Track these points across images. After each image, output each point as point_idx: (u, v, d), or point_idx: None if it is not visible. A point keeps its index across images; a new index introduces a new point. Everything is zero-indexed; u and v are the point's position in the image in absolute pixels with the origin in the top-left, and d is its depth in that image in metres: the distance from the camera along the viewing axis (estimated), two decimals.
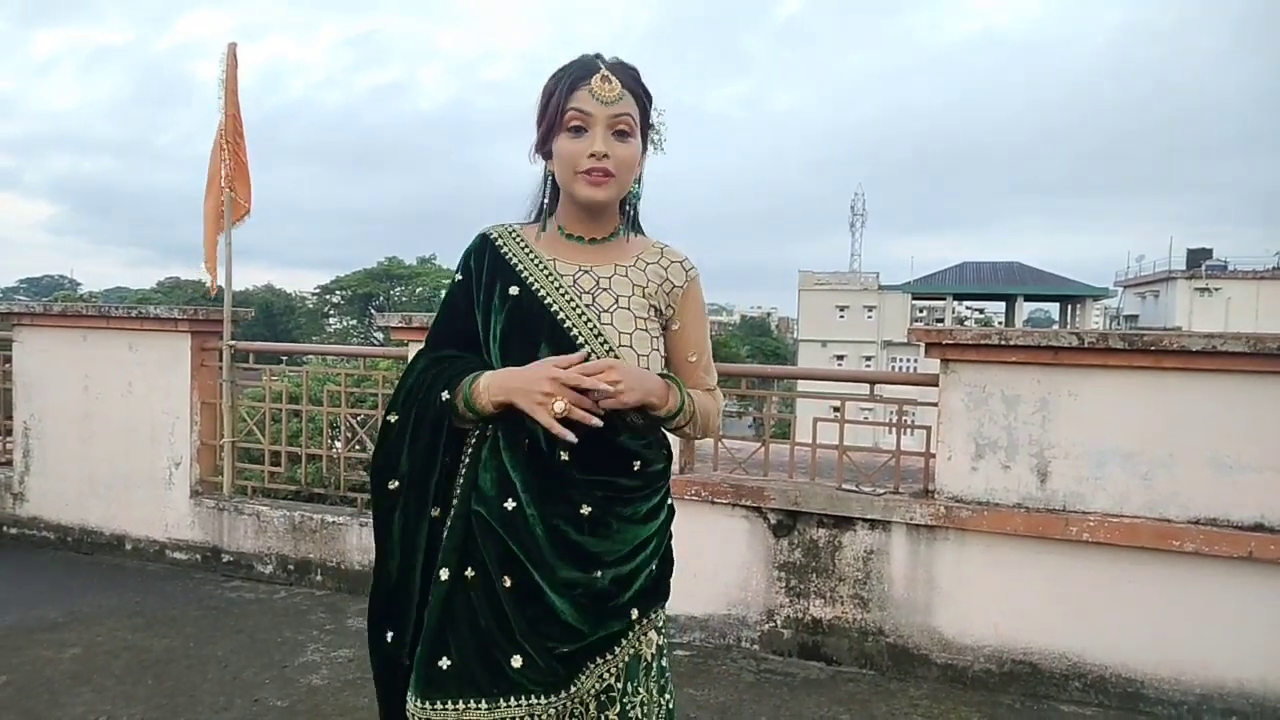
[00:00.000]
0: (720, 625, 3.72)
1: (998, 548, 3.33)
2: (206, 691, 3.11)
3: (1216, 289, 38.00)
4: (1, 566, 4.56)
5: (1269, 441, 3.04)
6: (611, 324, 1.46)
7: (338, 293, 53.22)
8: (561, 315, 1.46)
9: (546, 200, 1.55)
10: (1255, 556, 2.99)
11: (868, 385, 3.76)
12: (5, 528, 5.05)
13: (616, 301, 1.48)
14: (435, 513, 1.49)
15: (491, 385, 1.40)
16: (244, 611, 3.97)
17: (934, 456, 3.48)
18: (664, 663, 1.59)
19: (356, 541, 4.27)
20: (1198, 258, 40.31)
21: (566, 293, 1.47)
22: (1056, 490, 3.26)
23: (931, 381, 3.53)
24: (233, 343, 4.62)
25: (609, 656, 1.48)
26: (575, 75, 1.43)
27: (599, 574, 1.44)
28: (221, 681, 3.20)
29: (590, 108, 1.41)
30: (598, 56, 1.46)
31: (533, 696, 1.40)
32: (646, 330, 1.50)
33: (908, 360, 39.48)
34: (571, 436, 1.36)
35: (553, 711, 1.41)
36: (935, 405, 3.48)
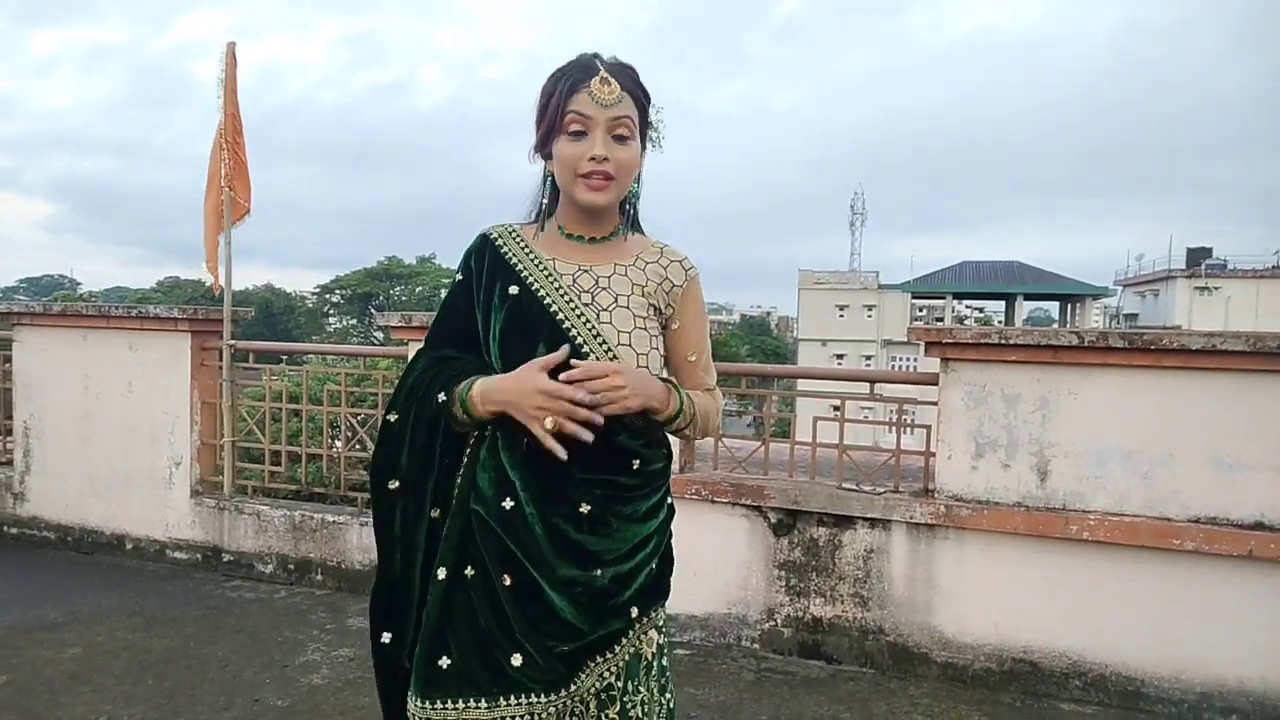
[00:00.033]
0: (720, 624, 3.72)
1: (998, 546, 3.33)
2: (207, 691, 3.11)
3: (1216, 288, 37.99)
4: (1, 566, 4.56)
5: (1269, 440, 3.04)
6: (610, 323, 1.46)
7: (337, 292, 53.23)
8: (560, 315, 1.46)
9: (546, 201, 1.55)
10: (1255, 555, 2.99)
11: (868, 384, 3.76)
12: (5, 527, 5.05)
13: (615, 300, 1.48)
14: (435, 514, 1.50)
15: (486, 393, 1.40)
16: (244, 611, 3.97)
17: (934, 455, 3.48)
18: (664, 662, 1.59)
19: (357, 541, 4.27)
20: (1197, 257, 40.32)
21: (565, 292, 1.48)
22: (1056, 489, 3.26)
23: (931, 380, 3.53)
24: (233, 342, 4.62)
25: (609, 655, 1.48)
26: (574, 77, 1.42)
27: (599, 572, 1.44)
28: (222, 681, 3.20)
29: (590, 111, 1.41)
30: (595, 56, 1.46)
31: (533, 695, 1.40)
32: (645, 329, 1.50)
33: (907, 359, 39.48)
34: (562, 453, 1.36)
35: (553, 710, 1.42)
36: (935, 404, 3.49)
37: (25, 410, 4.96)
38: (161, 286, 55.97)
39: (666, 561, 1.59)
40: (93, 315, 4.84)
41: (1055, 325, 39.38)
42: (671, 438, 1.59)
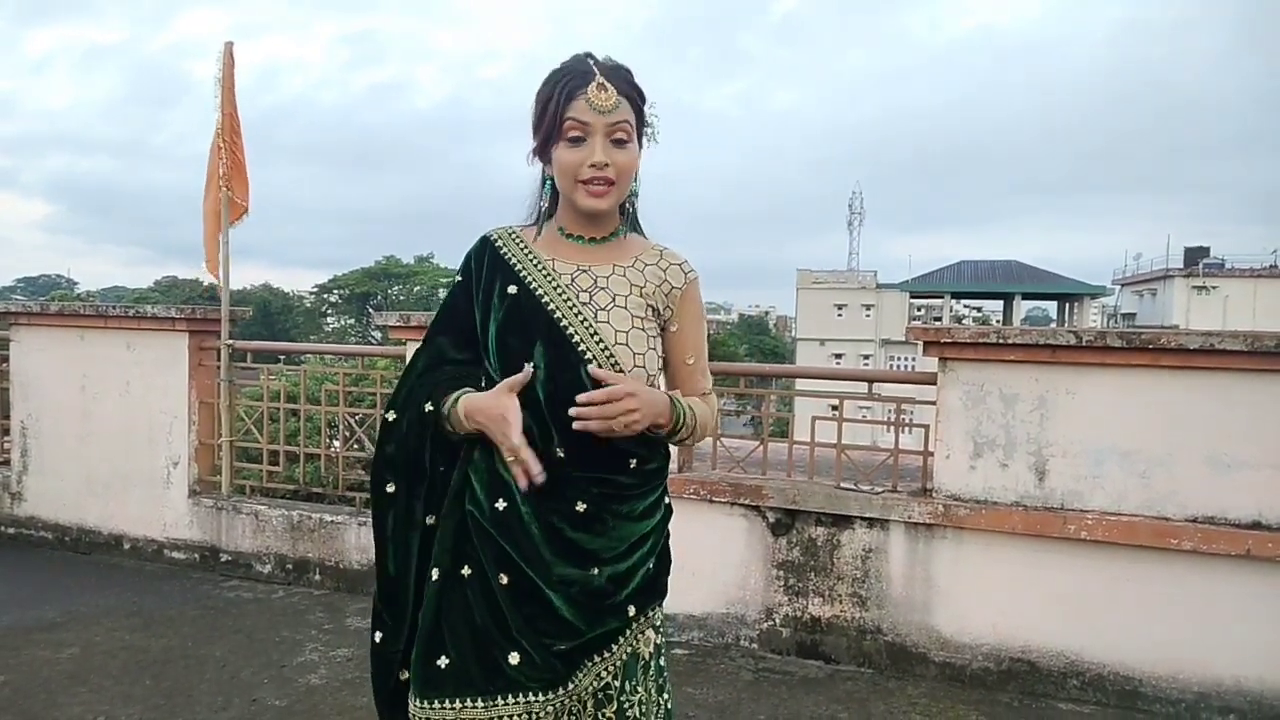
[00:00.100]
0: (719, 624, 3.72)
1: (996, 546, 3.33)
2: (204, 691, 3.11)
3: (1214, 287, 38.05)
4: None
5: (1266, 440, 3.04)
6: (608, 322, 1.47)
7: (335, 292, 53.17)
8: (558, 314, 1.46)
9: (546, 204, 1.55)
10: (1253, 554, 2.99)
11: (866, 384, 3.76)
12: (3, 527, 5.04)
13: (613, 300, 1.49)
14: (430, 520, 1.52)
15: (468, 411, 1.43)
16: (242, 611, 3.97)
17: (932, 455, 3.49)
18: (662, 662, 1.60)
19: (355, 541, 4.27)
20: (1195, 256, 40.36)
21: (564, 292, 1.48)
22: (1055, 488, 3.27)
23: (930, 380, 3.53)
24: (230, 342, 4.61)
25: (606, 655, 1.49)
26: (571, 84, 1.42)
27: (595, 571, 1.45)
28: (219, 681, 3.19)
29: (588, 117, 1.42)
30: (589, 57, 1.46)
31: (530, 694, 1.41)
32: (643, 330, 1.50)
33: (906, 359, 39.52)
34: (523, 483, 1.38)
35: (550, 709, 1.42)
36: (933, 404, 3.49)
37: (23, 410, 4.96)
38: (159, 286, 55.92)
39: (664, 561, 1.59)
40: (90, 315, 4.83)
41: (1053, 325, 39.41)
42: None
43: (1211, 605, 3.09)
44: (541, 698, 1.41)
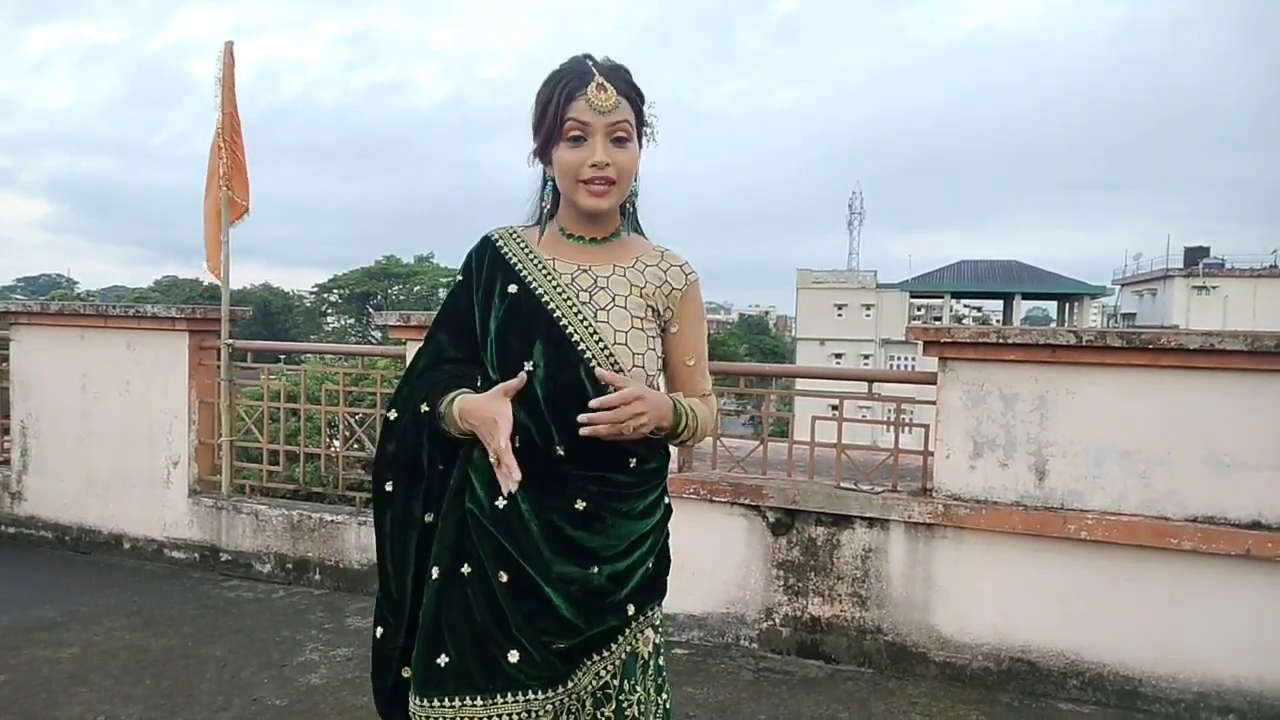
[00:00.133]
0: (719, 624, 3.73)
1: (996, 546, 3.33)
2: (205, 691, 3.11)
3: (1214, 287, 38.05)
4: None
5: (1267, 440, 3.04)
6: (608, 322, 1.47)
7: (335, 291, 53.16)
8: (558, 313, 1.47)
9: (548, 205, 1.56)
10: (1253, 554, 2.99)
11: (866, 383, 3.76)
12: (3, 527, 5.04)
13: (613, 300, 1.49)
14: (429, 518, 1.53)
15: (462, 413, 1.43)
16: (242, 611, 3.97)
17: (932, 455, 3.49)
18: (661, 661, 1.60)
19: (355, 540, 4.27)
20: (1195, 256, 40.36)
21: (564, 291, 1.49)
22: (1054, 488, 3.27)
23: (930, 380, 3.53)
24: (231, 341, 4.61)
25: (605, 653, 1.49)
26: (571, 85, 1.43)
27: (595, 569, 1.45)
28: (220, 681, 3.19)
29: (588, 118, 1.43)
30: (588, 58, 1.47)
31: (529, 692, 1.41)
32: (643, 330, 1.50)
33: (905, 359, 39.52)
34: (511, 488, 1.39)
35: (549, 708, 1.42)
36: (933, 403, 3.49)
37: (23, 409, 4.96)
38: (159, 286, 55.91)
39: (663, 560, 1.60)
40: (90, 314, 4.84)
41: (1053, 325, 39.40)
42: None
43: (1211, 605, 3.09)
44: (540, 696, 1.42)
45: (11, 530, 5.02)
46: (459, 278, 1.59)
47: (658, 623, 1.59)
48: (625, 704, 1.51)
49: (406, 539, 1.53)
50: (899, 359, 40.71)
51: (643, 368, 1.49)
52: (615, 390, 1.39)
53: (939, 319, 44.52)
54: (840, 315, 44.64)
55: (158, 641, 3.55)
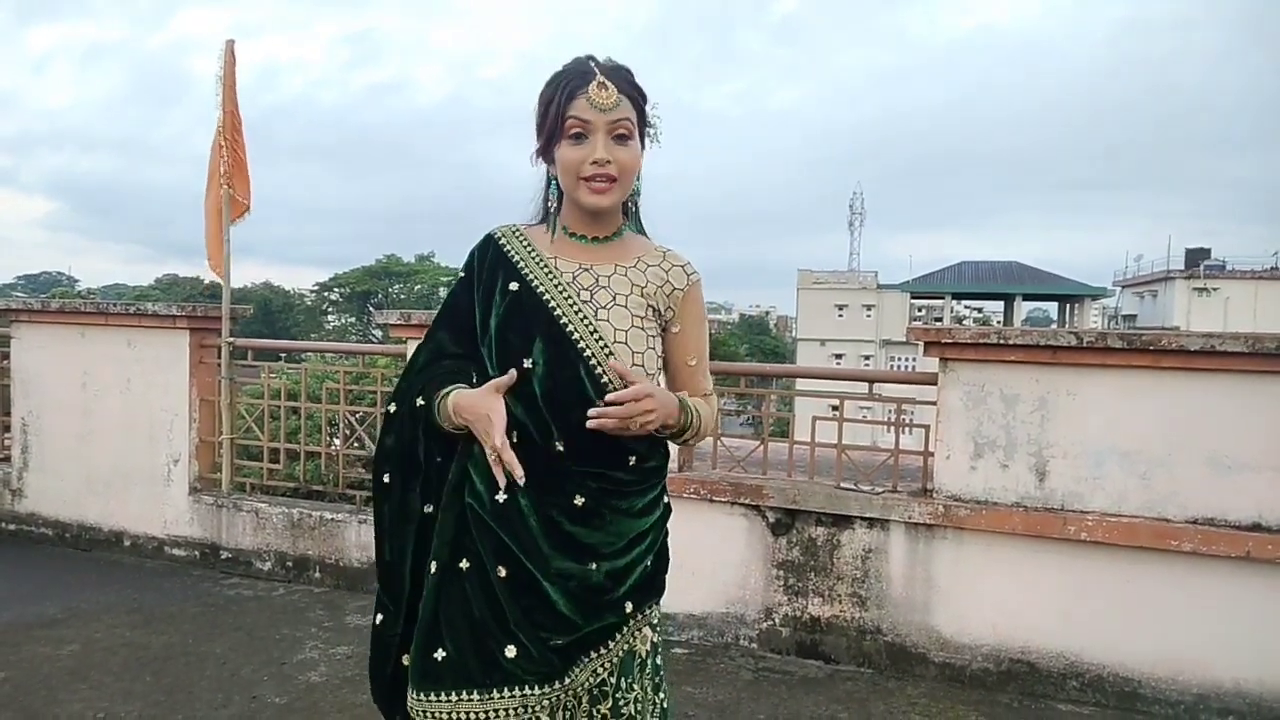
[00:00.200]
0: (719, 623, 3.73)
1: (996, 547, 3.33)
2: (204, 688, 3.11)
3: (1215, 289, 38.04)
4: None
5: (1267, 441, 3.04)
6: (608, 320, 1.48)
7: (336, 290, 53.16)
8: (558, 310, 1.48)
9: (553, 204, 1.56)
10: (1253, 556, 2.99)
11: (866, 384, 3.76)
12: (3, 524, 5.05)
13: (614, 299, 1.50)
14: (428, 510, 1.54)
15: (456, 408, 1.45)
16: (242, 608, 3.97)
17: (932, 455, 3.49)
18: (659, 660, 1.60)
19: (355, 539, 4.27)
20: (1196, 257, 40.36)
21: (564, 289, 1.49)
22: (1055, 489, 3.27)
23: (930, 380, 3.53)
24: (231, 340, 4.61)
25: (603, 651, 1.50)
26: (572, 84, 1.45)
27: (593, 566, 1.46)
28: (220, 678, 3.20)
29: (589, 115, 1.44)
30: (591, 59, 1.48)
31: (526, 687, 1.42)
32: (643, 329, 1.51)
33: (906, 359, 39.51)
34: (503, 481, 1.42)
35: (546, 703, 1.43)
36: (934, 404, 3.49)
37: (23, 407, 4.96)
38: (160, 284, 55.96)
39: (662, 559, 1.60)
40: (91, 312, 4.84)
41: (1054, 326, 39.41)
42: None
43: (1211, 607, 3.09)
44: (537, 691, 1.42)
45: (12, 527, 5.03)
46: (461, 275, 1.60)
47: (656, 621, 1.59)
48: (622, 702, 1.51)
49: (404, 530, 1.55)
50: (899, 360, 40.70)
51: (642, 366, 1.50)
52: (627, 384, 1.40)
53: (940, 320, 44.49)
54: (841, 316, 44.62)
55: (158, 639, 3.56)
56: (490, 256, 1.55)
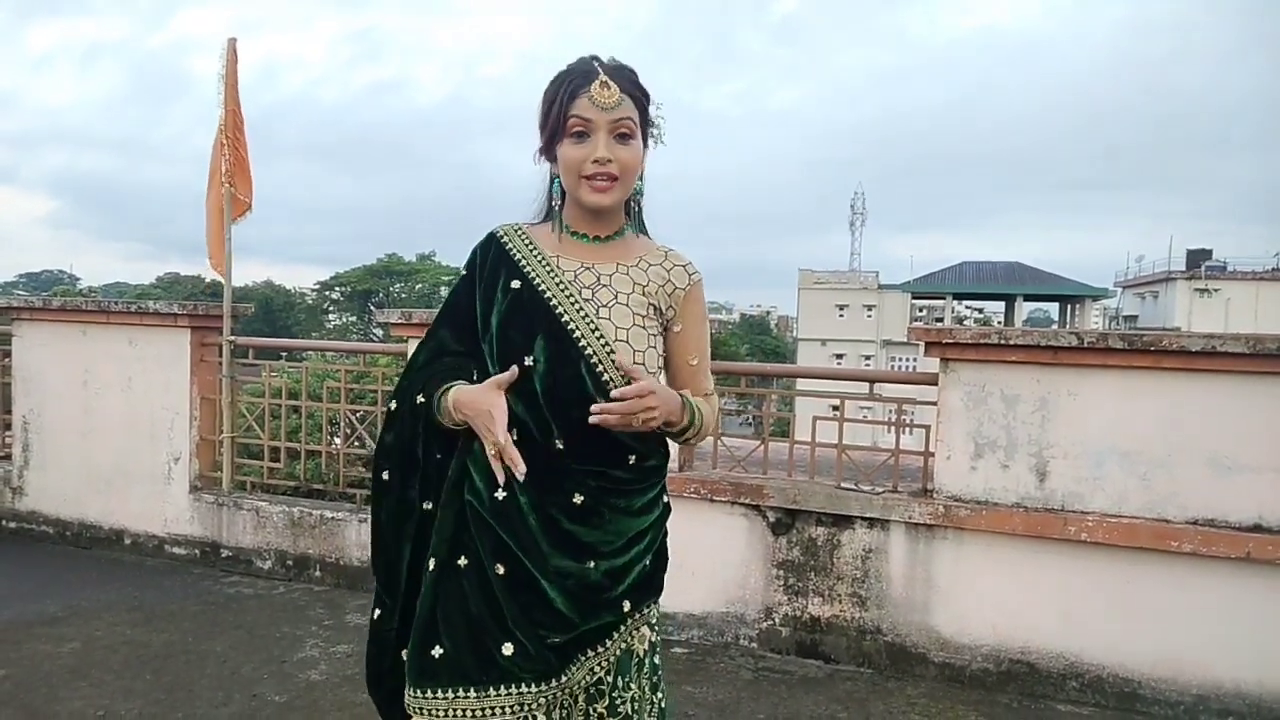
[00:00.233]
0: (718, 623, 3.73)
1: (996, 547, 3.33)
2: (205, 686, 3.11)
3: (1216, 290, 38.04)
4: (0, 561, 4.56)
5: (1268, 442, 3.04)
6: (609, 319, 1.48)
7: (337, 289, 53.18)
8: (559, 308, 1.48)
9: (556, 203, 1.57)
10: (1253, 557, 2.99)
11: (867, 384, 3.76)
12: (4, 521, 5.05)
13: (615, 298, 1.51)
14: (427, 506, 1.55)
15: (456, 404, 1.45)
16: (243, 607, 3.97)
17: (933, 455, 3.49)
18: (656, 660, 1.61)
19: (355, 537, 4.28)
20: (1197, 258, 40.36)
21: (566, 287, 1.50)
22: (1055, 490, 3.27)
23: (931, 380, 3.53)
24: (232, 338, 4.62)
25: (600, 649, 1.50)
26: (575, 82, 1.45)
27: (592, 564, 1.47)
28: (220, 677, 3.20)
29: (591, 114, 1.44)
30: (594, 59, 1.49)
31: (523, 685, 1.42)
32: (644, 327, 1.51)
33: (906, 359, 39.50)
34: (501, 477, 1.42)
35: (543, 701, 1.43)
36: (934, 404, 3.49)
37: (24, 405, 4.96)
38: (161, 282, 56.02)
39: (661, 558, 1.61)
40: (93, 310, 4.84)
41: (1055, 326, 39.38)
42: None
43: (1211, 608, 3.09)
44: (534, 689, 1.42)
45: (13, 525, 5.03)
46: (463, 273, 1.60)
47: (654, 621, 1.60)
48: (618, 700, 1.52)
49: (402, 526, 1.56)
50: (900, 360, 40.69)
51: (643, 365, 1.50)
52: (632, 381, 1.40)
53: (940, 320, 44.48)
54: (842, 316, 44.62)
55: (158, 637, 3.56)
56: (492, 254, 1.56)
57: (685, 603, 3.73)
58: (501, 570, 1.44)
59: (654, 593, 1.59)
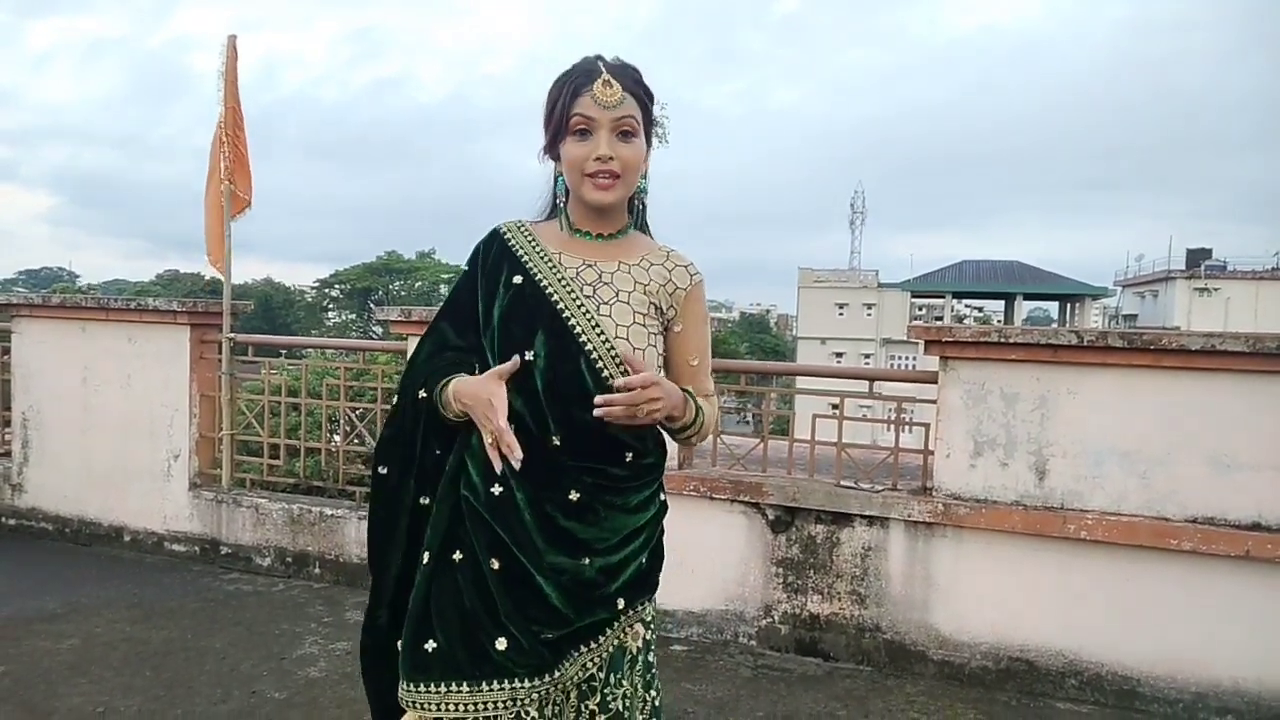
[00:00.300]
0: (718, 621, 3.73)
1: (995, 545, 3.33)
2: (204, 683, 3.11)
3: (1215, 289, 38.05)
4: None
5: (1267, 441, 3.04)
6: (610, 316, 1.49)
7: (337, 286, 53.16)
8: (561, 304, 1.48)
9: (561, 201, 1.58)
10: (1252, 555, 2.99)
11: (867, 382, 3.76)
12: (3, 519, 5.05)
13: (617, 296, 1.51)
14: (424, 501, 1.56)
15: (456, 394, 1.46)
16: (242, 604, 3.97)
17: (932, 454, 3.49)
18: (650, 658, 1.61)
19: (355, 534, 4.28)
20: (1197, 258, 40.38)
21: (568, 284, 1.50)
22: (1055, 488, 3.27)
23: (930, 379, 3.53)
24: (232, 335, 4.61)
25: (593, 645, 1.51)
26: (578, 81, 1.47)
27: (586, 561, 1.47)
28: (219, 673, 3.20)
29: (593, 112, 1.45)
30: (598, 58, 1.50)
31: (516, 680, 1.43)
32: (644, 326, 1.52)
33: (906, 358, 39.50)
34: (499, 465, 1.41)
35: (535, 696, 1.44)
36: (934, 402, 3.49)
37: (24, 401, 4.96)
38: (161, 280, 55.99)
39: (656, 556, 1.61)
40: (92, 307, 4.84)
41: (1054, 325, 39.40)
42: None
43: (1210, 606, 3.09)
44: (527, 684, 1.43)
45: (12, 522, 5.03)
46: (465, 269, 1.60)
47: (649, 618, 1.60)
48: (610, 697, 1.52)
49: (397, 520, 1.56)
50: (899, 358, 40.68)
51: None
52: (634, 372, 1.40)
53: (940, 319, 44.48)
54: (841, 314, 44.63)
55: (158, 634, 3.56)
56: (495, 250, 1.56)
57: (684, 600, 3.73)
58: (496, 565, 1.44)
59: (649, 590, 1.59)
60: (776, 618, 3.65)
